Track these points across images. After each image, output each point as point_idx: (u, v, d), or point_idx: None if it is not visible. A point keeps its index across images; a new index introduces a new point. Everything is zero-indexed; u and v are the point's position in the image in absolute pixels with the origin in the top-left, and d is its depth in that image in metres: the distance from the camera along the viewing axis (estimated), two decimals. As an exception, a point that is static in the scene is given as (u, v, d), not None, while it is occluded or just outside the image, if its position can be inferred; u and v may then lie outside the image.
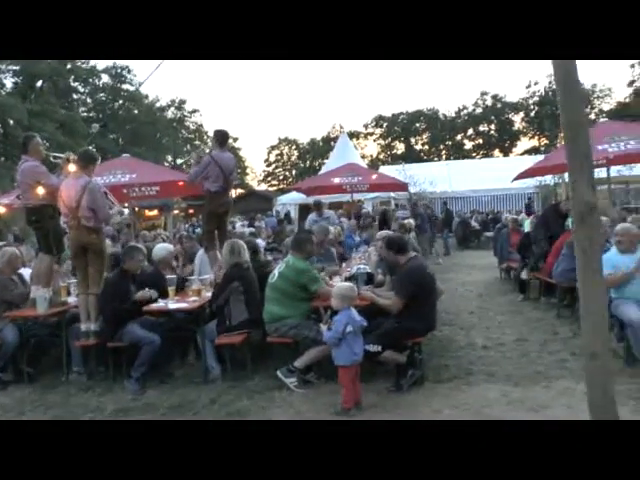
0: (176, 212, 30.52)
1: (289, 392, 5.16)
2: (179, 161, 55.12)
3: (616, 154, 8.51)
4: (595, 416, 2.14)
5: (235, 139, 73.31)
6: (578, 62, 1.99)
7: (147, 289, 5.89)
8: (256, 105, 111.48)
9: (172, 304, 5.80)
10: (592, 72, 44.29)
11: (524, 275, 9.13)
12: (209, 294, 5.95)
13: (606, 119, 12.20)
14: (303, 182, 19.31)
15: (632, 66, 52.60)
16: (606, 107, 57.48)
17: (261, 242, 10.33)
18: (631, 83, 52.96)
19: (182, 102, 59.65)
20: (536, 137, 61.56)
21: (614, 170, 16.62)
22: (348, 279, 5.76)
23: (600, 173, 10.90)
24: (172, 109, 59.31)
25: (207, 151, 6.95)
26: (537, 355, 5.99)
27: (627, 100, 52.74)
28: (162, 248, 6.87)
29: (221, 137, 6.99)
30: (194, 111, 61.18)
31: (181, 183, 9.84)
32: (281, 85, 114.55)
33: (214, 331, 5.74)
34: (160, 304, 5.81)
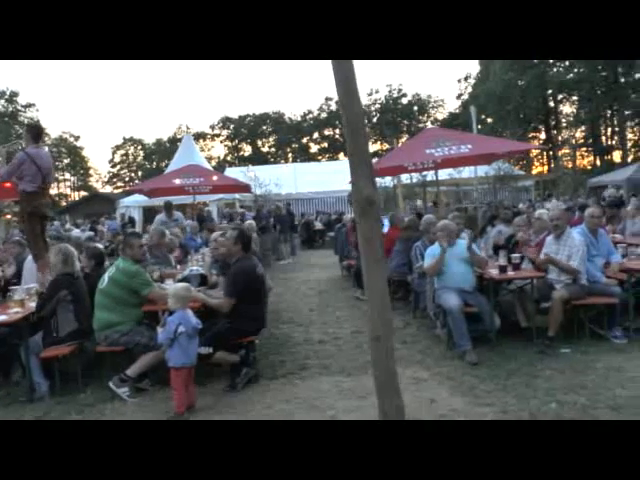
0: (8, 216, 27.83)
1: (122, 402, 4.93)
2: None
3: (442, 158, 9.18)
4: (380, 392, 2.30)
5: (77, 138, 69.15)
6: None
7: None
8: (99, 102, 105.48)
9: (-13, 317, 5.27)
10: (427, 84, 48.03)
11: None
12: (34, 304, 5.49)
13: (433, 126, 13.18)
14: (144, 183, 18.53)
15: (459, 81, 58.22)
16: (440, 116, 62.82)
17: (99, 246, 9.81)
18: (459, 96, 58.61)
19: (14, 94, 54.82)
20: (378, 142, 64.99)
21: (446, 173, 18.06)
22: (180, 281, 5.63)
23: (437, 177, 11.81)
24: (2, 102, 54.25)
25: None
26: (370, 345, 6.28)
27: (457, 111, 58.03)
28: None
29: (35, 132, 6.43)
30: (29, 105, 56.65)
31: (8, 184, 8.96)
32: (125, 82, 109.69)
33: (40, 344, 5.30)
34: (-27, 318, 5.25)
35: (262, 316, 5.42)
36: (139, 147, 73.81)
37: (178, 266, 7.27)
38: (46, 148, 6.47)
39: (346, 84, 2.10)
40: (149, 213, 19.67)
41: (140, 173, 70.63)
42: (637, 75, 41.05)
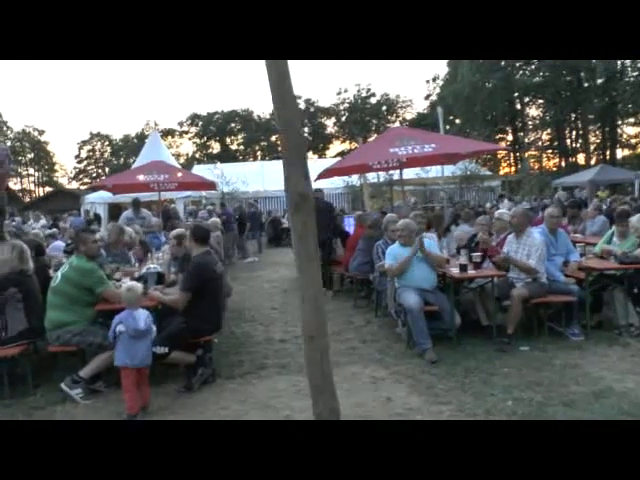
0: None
1: (74, 404, 4.77)
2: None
3: (406, 157, 9.13)
4: (314, 392, 2.26)
5: (41, 132, 67.83)
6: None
7: None
8: (65, 96, 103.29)
9: None
10: (396, 84, 48.36)
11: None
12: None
13: (398, 126, 13.22)
14: (108, 179, 18.16)
15: (427, 82, 59.05)
16: (408, 116, 63.35)
17: (61, 243, 9.60)
18: (427, 97, 59.27)
19: (-28, 86, 53.57)
20: (347, 141, 65.13)
21: (413, 173, 18.15)
22: (137, 279, 5.49)
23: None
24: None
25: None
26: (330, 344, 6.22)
27: (425, 111, 58.58)
28: None
29: None
30: (-11, 97, 55.41)
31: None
32: (93, 76, 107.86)
33: (-15, 345, 5.11)
34: None
35: (218, 316, 5.32)
36: (106, 143, 72.84)
37: (137, 264, 7.11)
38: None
39: (280, 80, 2.05)
40: (115, 210, 19.28)
41: (107, 169, 69.57)
42: (599, 80, 42.01)
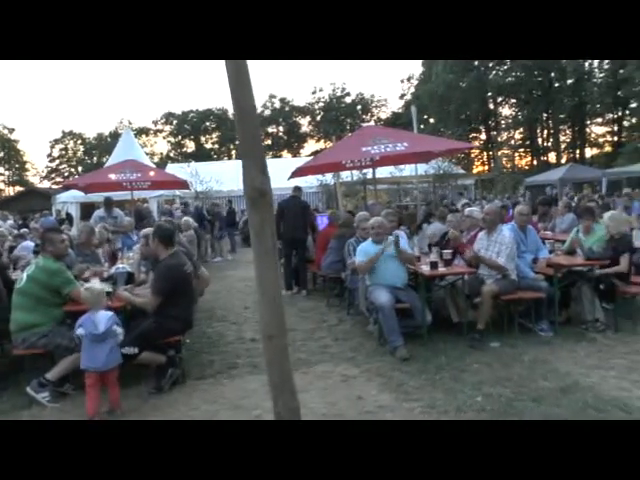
0: None
1: (41, 408, 4.66)
2: None
3: (379, 155, 9.15)
4: (274, 391, 2.24)
5: (11, 130, 66.47)
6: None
7: None
8: (36, 93, 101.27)
9: None
10: (370, 84, 48.53)
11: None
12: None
13: (370, 124, 13.24)
14: (79, 178, 17.88)
15: (402, 81, 59.65)
16: (383, 115, 63.67)
17: (30, 243, 9.42)
18: (402, 96, 59.76)
19: None
20: (322, 140, 65.20)
21: (387, 171, 18.20)
22: (106, 280, 5.41)
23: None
24: None
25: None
26: (302, 343, 6.23)
27: (400, 111, 58.97)
28: None
29: None
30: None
31: None
32: (64, 73, 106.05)
33: (-53, 350, 4.98)
34: None
35: (189, 315, 5.26)
36: (79, 141, 71.71)
37: (107, 264, 7.00)
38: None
39: (237, 70, 2.02)
40: (87, 209, 19.00)
41: (80, 168, 68.44)
42: (569, 81, 42.78)
